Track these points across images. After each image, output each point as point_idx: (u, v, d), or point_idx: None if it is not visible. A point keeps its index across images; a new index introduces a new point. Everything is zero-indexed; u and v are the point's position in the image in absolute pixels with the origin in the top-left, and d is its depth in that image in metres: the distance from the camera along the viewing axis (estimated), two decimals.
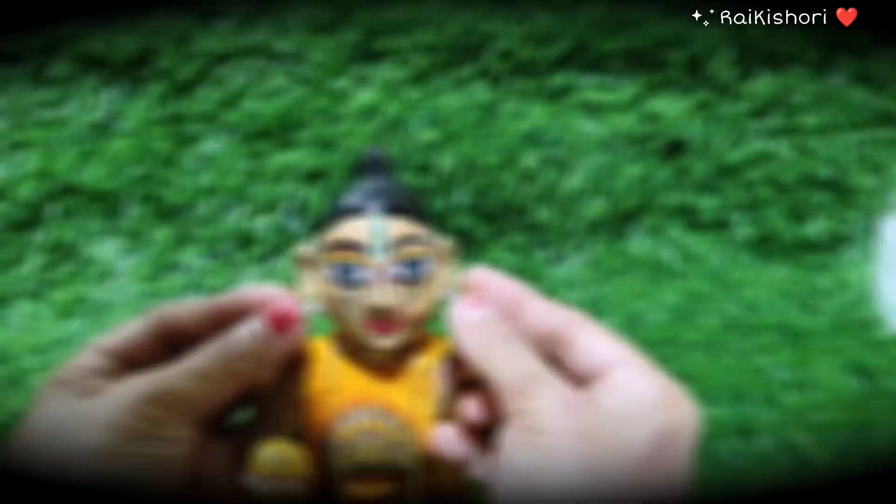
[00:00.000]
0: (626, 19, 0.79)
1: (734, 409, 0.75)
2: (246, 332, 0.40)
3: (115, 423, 0.35)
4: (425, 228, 0.44)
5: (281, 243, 0.84)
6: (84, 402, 0.37)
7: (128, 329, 0.42)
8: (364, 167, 0.44)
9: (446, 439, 0.43)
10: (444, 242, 0.46)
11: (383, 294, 0.42)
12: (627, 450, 0.34)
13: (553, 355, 0.41)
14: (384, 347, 0.43)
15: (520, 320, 0.42)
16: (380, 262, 0.43)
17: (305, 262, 0.46)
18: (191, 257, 0.84)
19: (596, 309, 0.89)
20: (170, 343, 0.42)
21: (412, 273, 0.43)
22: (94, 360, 0.40)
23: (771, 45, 0.81)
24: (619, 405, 0.36)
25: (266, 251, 0.84)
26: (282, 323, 0.41)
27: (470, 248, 0.88)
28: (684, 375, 0.79)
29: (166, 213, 0.83)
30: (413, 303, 0.43)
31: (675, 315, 0.89)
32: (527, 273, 0.89)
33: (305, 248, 0.46)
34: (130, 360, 0.41)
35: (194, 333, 0.42)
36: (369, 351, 0.44)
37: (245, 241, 0.84)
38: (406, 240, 0.43)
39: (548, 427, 0.35)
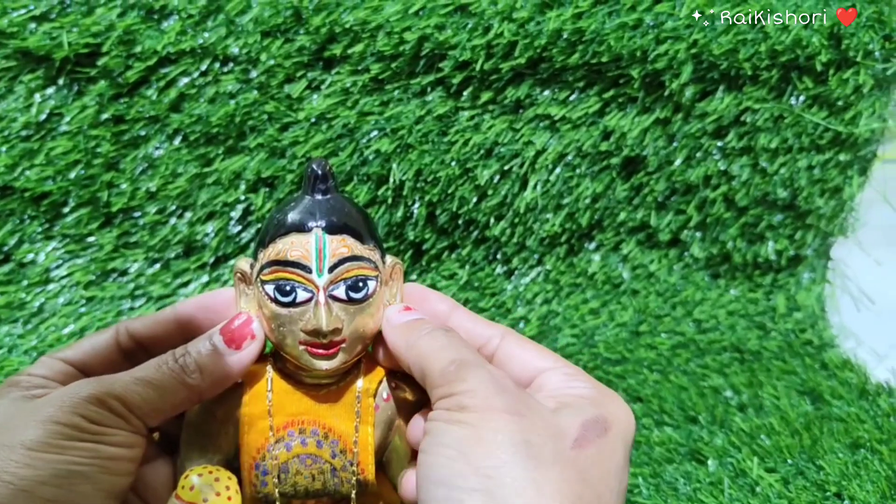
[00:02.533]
0: (586, 34, 0.78)
1: (686, 431, 0.74)
2: (201, 345, 0.39)
3: (54, 419, 0.34)
4: (371, 246, 0.43)
5: (228, 251, 0.81)
6: (30, 402, 0.36)
7: (89, 341, 0.41)
8: (307, 181, 0.43)
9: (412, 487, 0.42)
10: (391, 261, 0.45)
11: (323, 315, 0.41)
12: (561, 432, 0.34)
13: None
14: (324, 370, 0.42)
15: None
16: (321, 281, 0.41)
17: (243, 278, 0.44)
18: (134, 264, 0.81)
19: (549, 325, 0.88)
20: (134, 358, 0.41)
21: (355, 293, 0.42)
22: (50, 368, 0.39)
23: (730, 65, 0.81)
24: (551, 400, 0.36)
25: (212, 259, 0.82)
26: (237, 340, 0.40)
27: (425, 261, 0.87)
28: (637, 395, 0.79)
29: (109, 217, 0.80)
30: (355, 324, 0.42)
31: (629, 333, 0.89)
32: (481, 287, 0.88)
33: (243, 263, 0.44)
34: (90, 373, 0.40)
35: (159, 345, 0.41)
36: (308, 372, 0.43)
37: (191, 248, 0.82)
38: (349, 259, 0.42)
39: (478, 404, 0.34)
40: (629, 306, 0.90)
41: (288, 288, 0.41)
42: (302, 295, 0.41)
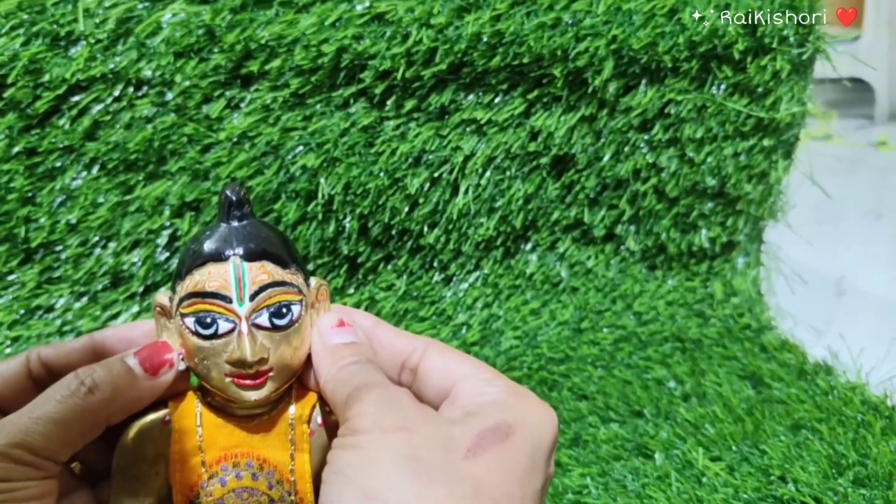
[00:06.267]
0: (506, 36, 0.78)
1: (632, 426, 0.75)
2: (112, 365, 0.37)
3: None
4: (293, 270, 0.42)
5: (157, 279, 0.79)
6: None
7: None
8: (222, 208, 0.42)
9: None
10: (315, 283, 0.44)
11: (247, 345, 0.40)
12: (454, 443, 0.33)
13: (408, 384, 0.40)
14: (252, 401, 0.41)
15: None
16: (242, 311, 0.40)
17: (163, 311, 0.43)
18: (60, 299, 0.79)
19: (491, 329, 0.88)
20: (46, 387, 0.38)
21: (279, 320, 0.41)
22: None
23: (651, 58, 0.82)
24: (458, 411, 0.35)
25: (141, 288, 0.80)
26: (155, 366, 0.39)
27: (361, 274, 0.86)
28: (582, 393, 0.79)
29: (29, 253, 0.77)
30: (282, 351, 0.41)
31: (571, 331, 0.89)
32: (420, 297, 0.87)
33: (162, 297, 0.43)
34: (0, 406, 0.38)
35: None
36: (237, 404, 0.42)
37: (118, 278, 0.79)
38: (270, 285, 0.41)
39: (368, 425, 0.33)
40: (569, 304, 0.91)
41: (208, 320, 0.40)
42: (224, 326, 0.40)
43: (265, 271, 0.41)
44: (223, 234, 0.41)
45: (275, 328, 0.41)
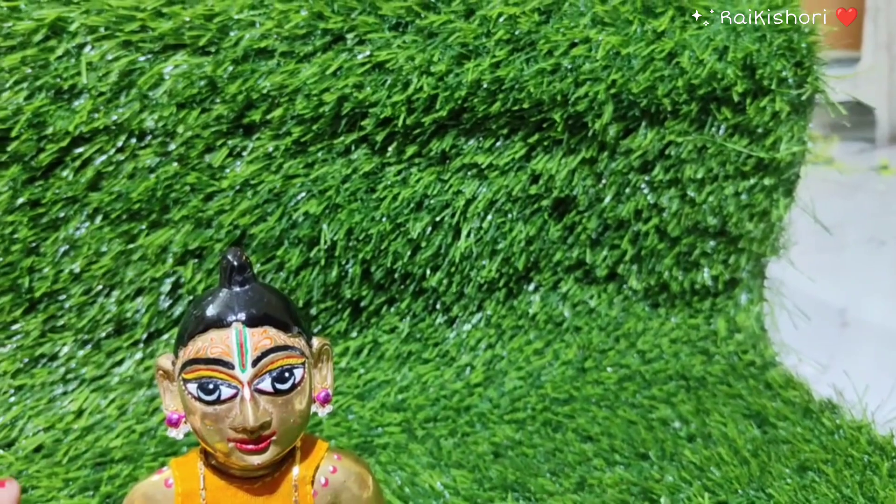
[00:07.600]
0: (505, 82, 0.79)
1: (637, 469, 0.74)
2: None
3: None
4: (295, 333, 0.43)
5: (160, 326, 0.80)
6: None
7: None
8: (223, 273, 0.42)
9: None
10: (318, 343, 0.44)
11: (250, 412, 0.40)
12: None
13: None
14: (256, 466, 0.41)
15: None
16: (244, 376, 0.40)
17: (166, 375, 0.43)
18: (63, 347, 0.79)
19: (495, 370, 0.88)
20: None
21: (281, 384, 0.41)
22: None
23: (650, 101, 0.82)
24: None
25: (145, 335, 0.80)
26: None
27: (364, 317, 0.86)
28: (587, 434, 0.79)
29: (33, 303, 0.78)
30: (285, 415, 0.41)
31: (575, 370, 0.89)
32: (423, 339, 0.87)
33: (164, 360, 0.43)
34: None
35: None
36: (240, 468, 0.42)
37: (122, 326, 0.80)
38: (272, 350, 0.41)
39: None
40: (573, 343, 0.91)
41: (211, 386, 0.40)
42: (226, 392, 0.40)
43: (267, 336, 0.41)
44: (225, 299, 0.41)
45: (277, 393, 0.41)
